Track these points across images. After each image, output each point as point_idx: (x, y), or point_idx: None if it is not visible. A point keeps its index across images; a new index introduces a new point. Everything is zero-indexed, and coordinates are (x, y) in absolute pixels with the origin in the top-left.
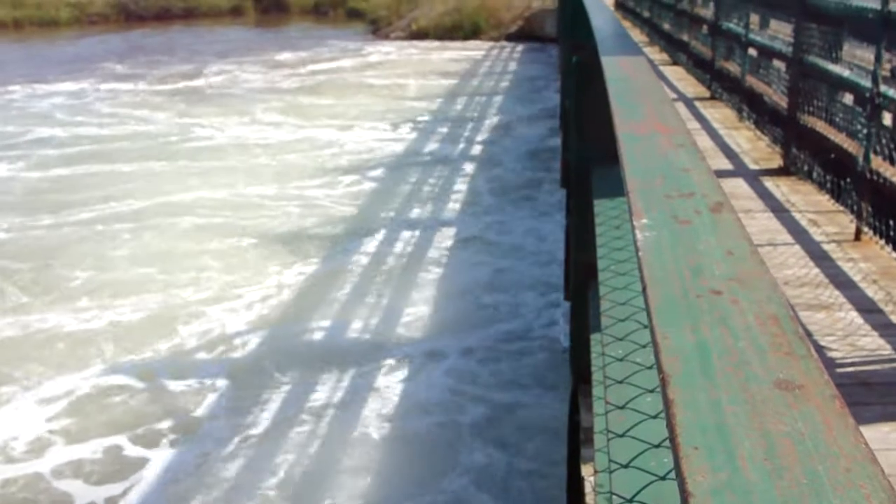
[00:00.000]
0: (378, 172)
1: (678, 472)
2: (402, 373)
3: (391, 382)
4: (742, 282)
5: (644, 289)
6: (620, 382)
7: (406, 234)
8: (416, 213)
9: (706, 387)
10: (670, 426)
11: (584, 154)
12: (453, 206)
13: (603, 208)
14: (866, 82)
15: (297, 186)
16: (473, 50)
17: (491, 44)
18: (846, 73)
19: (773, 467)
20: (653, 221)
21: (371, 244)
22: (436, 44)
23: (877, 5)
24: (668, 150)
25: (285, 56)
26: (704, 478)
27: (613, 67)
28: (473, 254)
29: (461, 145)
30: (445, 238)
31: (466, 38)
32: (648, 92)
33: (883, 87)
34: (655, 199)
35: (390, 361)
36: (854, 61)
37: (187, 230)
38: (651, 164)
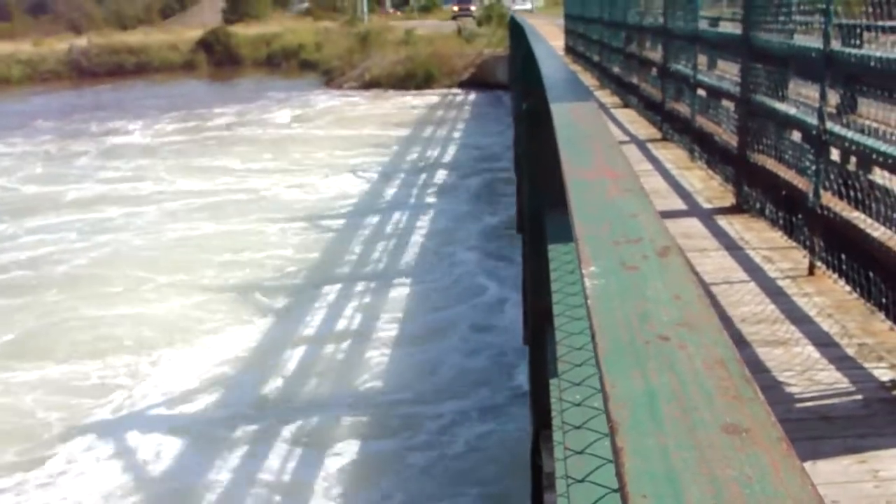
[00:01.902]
0: (303, 222)
1: None
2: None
3: None
4: (689, 326)
5: (593, 337)
6: (578, 428)
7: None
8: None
9: (654, 433)
10: (619, 474)
11: (537, 200)
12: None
13: (557, 253)
14: (813, 119)
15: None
16: (427, 96)
17: (444, 91)
18: (793, 110)
19: None
20: (601, 269)
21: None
22: (389, 93)
23: (819, 45)
24: (616, 196)
25: (231, 109)
26: None
27: (562, 114)
28: None
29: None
30: None
31: (419, 86)
32: (597, 137)
33: (829, 124)
34: (603, 246)
35: None
36: (800, 99)
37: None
38: (599, 210)
